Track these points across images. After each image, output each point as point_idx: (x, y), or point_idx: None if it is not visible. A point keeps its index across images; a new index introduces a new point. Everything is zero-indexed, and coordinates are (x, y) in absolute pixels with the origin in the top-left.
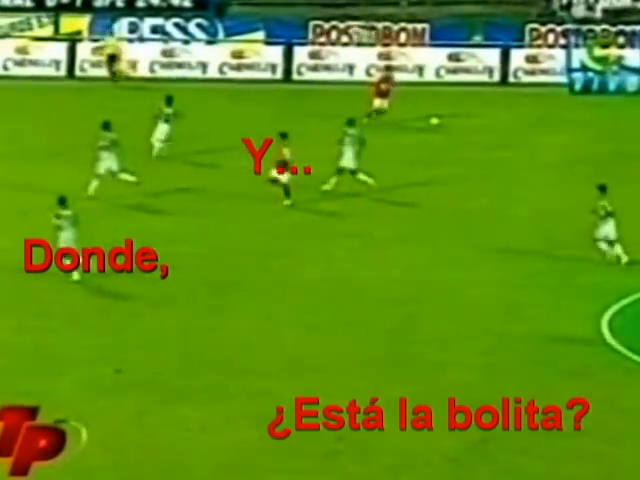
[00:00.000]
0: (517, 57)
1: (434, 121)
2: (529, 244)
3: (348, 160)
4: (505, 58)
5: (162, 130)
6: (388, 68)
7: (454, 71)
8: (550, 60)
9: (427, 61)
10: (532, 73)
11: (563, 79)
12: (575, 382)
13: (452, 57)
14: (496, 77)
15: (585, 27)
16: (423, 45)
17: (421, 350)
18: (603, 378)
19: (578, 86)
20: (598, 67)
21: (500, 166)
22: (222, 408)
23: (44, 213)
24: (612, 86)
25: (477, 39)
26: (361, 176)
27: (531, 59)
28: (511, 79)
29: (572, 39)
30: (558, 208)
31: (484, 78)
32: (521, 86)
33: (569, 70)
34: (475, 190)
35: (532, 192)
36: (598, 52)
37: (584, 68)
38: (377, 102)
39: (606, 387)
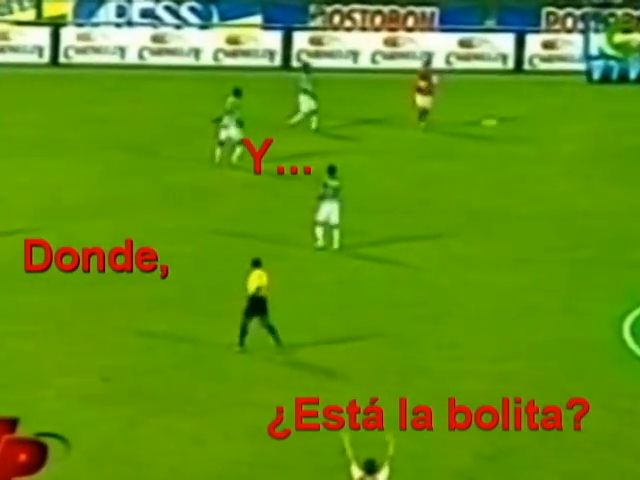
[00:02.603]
0: (533, 43)
1: (489, 122)
2: (546, 244)
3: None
4: (520, 44)
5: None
6: (427, 64)
7: (465, 58)
8: (568, 46)
9: (436, 47)
10: (549, 60)
11: (582, 67)
12: (594, 391)
13: (463, 43)
14: (510, 64)
15: (605, 11)
16: (432, 30)
17: (430, 355)
18: (624, 387)
19: (597, 75)
20: (619, 54)
21: (514, 160)
22: (217, 419)
23: (26, 209)
24: (633, 75)
25: (490, 23)
26: None
27: (548, 45)
28: (526, 66)
29: (591, 24)
30: (576, 205)
31: (497, 65)
32: (537, 74)
33: (588, 57)
34: (488, 186)
35: (549, 188)
36: (619, 38)
37: (603, 55)
38: (419, 100)
39: (627, 397)
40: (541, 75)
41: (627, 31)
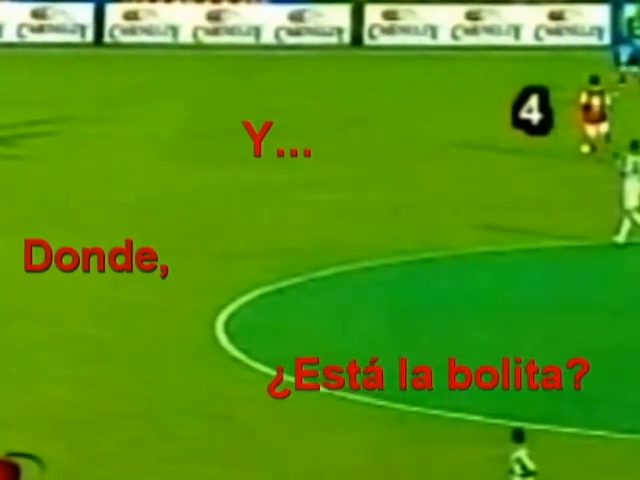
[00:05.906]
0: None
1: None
2: (126, 235)
3: None
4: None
5: None
6: None
7: (297, 32)
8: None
9: (265, 21)
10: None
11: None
12: (185, 397)
13: (294, 17)
14: (346, 38)
15: None
16: (260, 1)
17: None
18: (219, 392)
19: (625, 57)
20: None
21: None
22: None
23: None
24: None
25: None
26: None
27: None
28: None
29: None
30: (167, 190)
31: (332, 40)
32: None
33: (618, 41)
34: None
35: (137, 172)
36: None
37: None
38: None
39: (223, 402)
40: (386, 50)
41: None
